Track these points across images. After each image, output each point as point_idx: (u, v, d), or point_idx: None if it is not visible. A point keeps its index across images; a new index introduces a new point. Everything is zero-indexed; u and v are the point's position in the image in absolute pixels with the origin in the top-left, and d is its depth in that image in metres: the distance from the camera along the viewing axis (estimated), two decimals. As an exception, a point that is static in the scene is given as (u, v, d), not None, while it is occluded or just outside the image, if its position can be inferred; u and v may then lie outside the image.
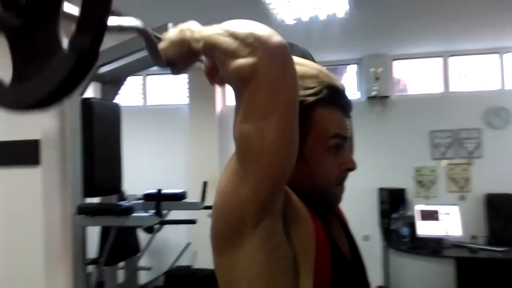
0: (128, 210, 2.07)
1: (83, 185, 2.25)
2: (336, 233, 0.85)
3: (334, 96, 0.83)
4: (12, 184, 2.36)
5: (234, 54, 0.67)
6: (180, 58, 0.77)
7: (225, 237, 0.70)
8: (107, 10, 0.50)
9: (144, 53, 2.63)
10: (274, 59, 0.66)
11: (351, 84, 5.00)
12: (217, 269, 0.73)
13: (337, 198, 0.86)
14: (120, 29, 0.64)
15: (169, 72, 0.81)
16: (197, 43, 0.73)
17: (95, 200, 2.54)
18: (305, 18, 3.39)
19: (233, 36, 0.68)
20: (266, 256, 0.67)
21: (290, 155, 0.68)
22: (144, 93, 5.38)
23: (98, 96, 2.72)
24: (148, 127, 5.16)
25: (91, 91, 3.61)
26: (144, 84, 5.37)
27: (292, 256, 0.70)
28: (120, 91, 2.72)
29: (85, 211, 2.12)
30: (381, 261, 4.41)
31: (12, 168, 2.36)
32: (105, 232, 2.39)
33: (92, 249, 2.58)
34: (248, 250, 0.67)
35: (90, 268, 2.47)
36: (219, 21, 0.74)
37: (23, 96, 0.55)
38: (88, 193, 2.26)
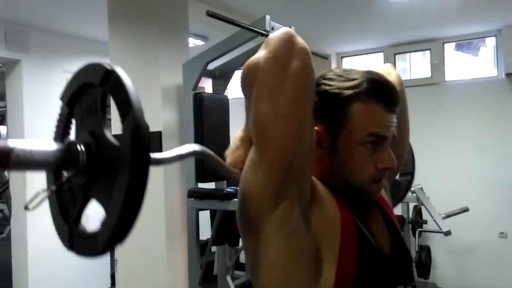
0: (230, 195, 2.24)
1: (195, 171, 2.50)
2: (375, 226, 0.83)
3: (375, 90, 0.79)
4: (141, 170, 2.74)
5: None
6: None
7: (247, 221, 0.74)
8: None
9: (250, 46, 2.77)
10: (278, 39, 0.70)
11: (487, 60, 4.40)
12: (245, 253, 0.79)
13: (372, 195, 0.83)
14: (180, 157, 0.71)
15: None
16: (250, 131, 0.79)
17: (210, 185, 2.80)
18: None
19: None
20: (281, 242, 0.70)
21: (301, 140, 0.69)
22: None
23: (210, 90, 2.97)
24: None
25: (204, 86, 3.94)
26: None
27: (312, 244, 0.72)
28: (228, 84, 2.91)
29: (194, 194, 2.37)
30: (521, 262, 3.85)
31: (141, 156, 2.75)
32: (213, 215, 2.62)
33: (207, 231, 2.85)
34: (266, 236, 0.71)
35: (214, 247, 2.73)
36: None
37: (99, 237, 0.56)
38: (199, 178, 2.51)
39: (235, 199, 2.29)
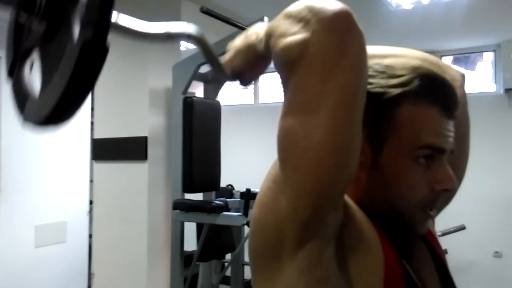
0: (219, 209, 2.07)
1: (182, 181, 2.33)
2: (422, 267, 0.65)
3: (430, 89, 0.61)
4: (123, 178, 2.57)
5: (283, 34, 0.53)
6: (248, 67, 0.67)
7: (260, 258, 0.57)
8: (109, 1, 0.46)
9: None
10: (331, 32, 0.50)
11: (486, 75, 4.32)
12: None
13: (419, 227, 0.64)
14: (168, 36, 0.56)
15: (238, 84, 0.71)
16: (261, 43, 0.62)
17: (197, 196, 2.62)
18: (425, 1, 2.99)
19: (288, 15, 0.55)
20: None
21: (344, 165, 0.51)
22: (256, 91, 5.46)
23: (201, 95, 2.80)
24: (259, 125, 5.22)
25: (195, 90, 3.78)
26: (255, 83, 5.45)
27: None
28: (221, 90, 2.76)
29: (180, 206, 2.19)
30: (518, 284, 3.73)
31: (124, 162, 2.57)
32: (200, 229, 2.45)
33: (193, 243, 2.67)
34: (286, 280, 0.54)
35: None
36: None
37: (42, 107, 0.51)
38: (186, 189, 2.33)
39: (225, 213, 2.12)
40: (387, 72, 0.63)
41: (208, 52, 0.64)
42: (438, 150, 0.60)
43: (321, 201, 0.51)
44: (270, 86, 5.43)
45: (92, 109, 3.60)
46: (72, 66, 0.45)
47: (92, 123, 3.47)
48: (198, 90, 3.80)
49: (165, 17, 2.63)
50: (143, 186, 2.46)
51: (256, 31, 0.65)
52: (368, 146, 0.62)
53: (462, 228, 3.50)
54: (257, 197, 0.58)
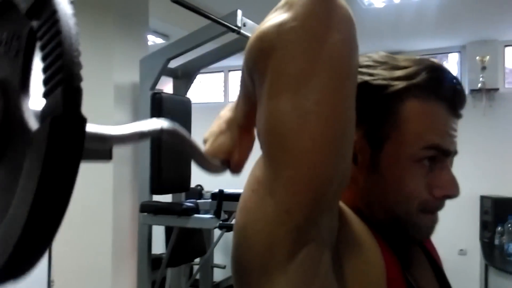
0: (190, 211, 1.96)
1: (150, 181, 2.20)
2: (422, 277, 0.60)
3: (438, 83, 0.55)
4: (86, 178, 2.40)
5: (264, 22, 0.46)
6: (234, 146, 0.55)
7: (247, 271, 0.49)
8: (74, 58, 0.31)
9: (216, 44, 2.51)
10: (313, 7, 0.43)
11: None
12: None
13: (423, 231, 0.58)
14: (141, 136, 0.44)
15: (231, 173, 0.58)
16: (238, 108, 0.53)
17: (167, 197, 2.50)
18: (397, 0, 3.00)
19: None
20: None
21: (340, 156, 0.44)
22: (226, 89, 5.36)
23: (170, 91, 2.68)
24: (229, 122, 5.13)
25: (166, 86, 3.64)
26: (225, 80, 5.35)
27: None
28: (191, 86, 2.64)
29: (148, 209, 2.07)
30: (479, 281, 3.84)
31: (87, 162, 2.40)
32: (169, 232, 2.33)
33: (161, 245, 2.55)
34: None
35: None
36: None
37: None
38: (154, 190, 2.21)
39: (196, 215, 2.02)
40: (390, 63, 0.57)
41: (188, 145, 0.53)
42: (444, 152, 0.55)
43: (316, 199, 0.44)
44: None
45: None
46: (40, 159, 0.28)
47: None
48: (166, 86, 3.67)
49: (131, 6, 2.49)
50: (108, 187, 2.31)
51: (227, 108, 0.59)
52: (366, 144, 0.56)
53: (430, 226, 3.55)
54: (240, 203, 0.50)
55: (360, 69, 0.56)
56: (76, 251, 2.39)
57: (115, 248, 2.29)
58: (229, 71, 5.27)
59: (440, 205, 0.57)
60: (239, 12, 2.04)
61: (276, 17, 0.44)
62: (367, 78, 0.56)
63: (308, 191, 0.43)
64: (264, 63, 0.44)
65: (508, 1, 3.07)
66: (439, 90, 0.55)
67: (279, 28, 0.43)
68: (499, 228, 3.62)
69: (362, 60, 0.59)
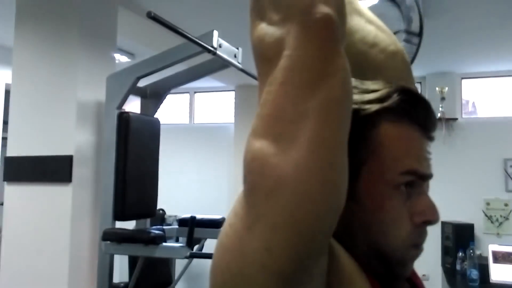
0: (158, 239, 1.83)
1: (113, 207, 2.05)
2: None
3: (410, 105, 0.53)
4: (42, 202, 2.21)
5: (262, 13, 0.44)
6: None
7: None
8: None
9: (186, 65, 2.44)
10: (310, 39, 0.41)
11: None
12: None
13: (407, 267, 0.54)
14: None
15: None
16: None
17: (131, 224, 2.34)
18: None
19: None
20: None
21: (331, 185, 0.40)
22: (191, 111, 5.26)
23: (138, 111, 2.56)
24: (194, 145, 5.02)
25: (131, 106, 3.49)
26: (191, 102, 5.26)
27: None
28: (160, 106, 2.54)
29: (111, 237, 1.91)
30: (444, 306, 3.89)
31: (44, 184, 2.22)
32: (133, 261, 2.17)
33: (122, 273, 2.37)
34: None
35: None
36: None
37: None
38: (118, 216, 2.06)
39: (164, 244, 1.88)
40: (359, 87, 0.56)
41: None
42: (421, 177, 0.53)
43: (302, 238, 0.38)
44: (206, 106, 5.27)
45: (5, 122, 3.14)
46: None
47: (4, 138, 3.02)
48: (130, 105, 3.53)
49: (98, 22, 2.38)
50: (66, 212, 2.13)
51: None
52: None
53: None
54: (218, 239, 0.44)
55: None
56: (27, 284, 2.17)
57: (71, 280, 2.09)
58: (195, 92, 5.20)
59: (424, 234, 0.54)
60: (215, 33, 1.99)
61: (275, 24, 0.43)
62: None
63: (291, 225, 0.37)
64: (263, 69, 0.43)
65: (465, 37, 3.25)
66: (411, 113, 0.53)
67: (277, 48, 0.42)
68: (460, 254, 3.70)
69: None
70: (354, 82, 0.56)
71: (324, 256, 0.42)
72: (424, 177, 0.53)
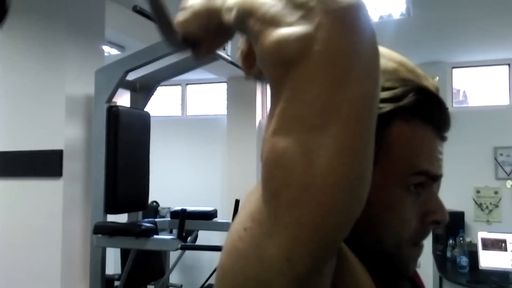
0: (149, 232, 1.84)
1: (104, 200, 2.06)
2: None
3: (425, 105, 0.52)
4: (33, 197, 2.21)
5: (275, 21, 0.39)
6: (205, 35, 0.49)
7: None
8: None
9: (177, 58, 2.44)
10: (343, 28, 0.38)
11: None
12: None
13: (410, 266, 0.55)
14: None
15: (189, 55, 0.53)
16: (229, 12, 0.45)
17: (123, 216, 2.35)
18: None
19: None
20: None
21: (356, 200, 0.39)
22: (183, 103, 5.25)
23: (128, 104, 2.56)
24: (186, 137, 5.02)
25: (122, 99, 3.48)
26: (183, 94, 5.25)
27: None
28: (150, 99, 2.54)
29: (102, 230, 1.92)
30: (434, 293, 3.95)
31: (34, 179, 2.22)
32: (125, 253, 2.18)
33: (116, 265, 2.39)
34: None
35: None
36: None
37: None
38: (109, 209, 2.07)
39: (156, 236, 1.90)
40: None
41: (158, 9, 0.45)
42: (432, 177, 0.53)
43: (323, 248, 0.38)
44: (198, 98, 5.26)
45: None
46: None
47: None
48: (121, 99, 3.51)
49: (86, 14, 2.36)
50: (57, 207, 2.14)
51: None
52: None
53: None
54: (228, 241, 0.44)
55: None
56: (20, 279, 2.18)
57: (64, 274, 2.10)
58: (187, 84, 5.19)
59: (427, 233, 0.55)
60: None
61: (296, 24, 0.38)
62: None
63: (313, 240, 0.37)
64: (281, 72, 0.38)
65: (455, 26, 3.26)
66: (426, 113, 0.52)
67: (304, 46, 0.37)
68: (451, 241, 3.76)
69: None
70: None
71: (334, 257, 0.42)
72: (435, 177, 0.53)
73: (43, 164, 2.20)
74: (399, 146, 0.51)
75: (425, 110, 0.52)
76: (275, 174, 0.38)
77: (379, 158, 0.50)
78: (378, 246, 0.52)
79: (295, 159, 0.37)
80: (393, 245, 0.52)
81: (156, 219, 2.30)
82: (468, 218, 4.03)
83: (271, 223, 0.38)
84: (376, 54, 0.40)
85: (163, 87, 4.97)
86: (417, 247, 0.54)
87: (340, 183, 0.37)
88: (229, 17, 0.44)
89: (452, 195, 4.10)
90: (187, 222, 2.05)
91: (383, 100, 0.52)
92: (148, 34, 2.20)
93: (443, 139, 0.55)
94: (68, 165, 2.18)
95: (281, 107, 0.39)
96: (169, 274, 2.37)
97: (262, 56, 0.41)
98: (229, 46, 2.25)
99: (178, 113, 5.26)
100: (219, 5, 0.47)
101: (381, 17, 3.00)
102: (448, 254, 3.75)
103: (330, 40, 0.37)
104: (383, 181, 0.51)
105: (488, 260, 3.44)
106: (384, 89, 0.53)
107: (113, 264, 3.54)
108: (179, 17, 0.48)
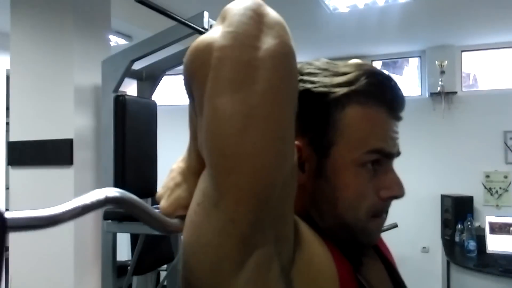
0: (156, 217, 1.90)
1: (114, 185, 2.12)
2: (374, 277, 0.60)
3: (378, 87, 0.57)
4: (45, 185, 2.29)
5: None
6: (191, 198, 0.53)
7: None
8: None
9: (182, 46, 2.46)
10: (242, 7, 0.46)
11: (412, 79, 4.56)
12: None
13: (372, 236, 0.59)
14: (84, 210, 0.43)
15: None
16: (191, 156, 0.57)
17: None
18: (361, 5, 3.06)
19: None
20: None
21: (282, 158, 0.44)
22: (191, 90, 5.29)
23: (134, 93, 2.60)
24: (194, 124, 5.07)
25: (130, 89, 3.53)
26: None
27: None
28: (156, 88, 2.58)
29: (111, 216, 1.99)
30: (442, 277, 3.97)
31: (46, 168, 2.29)
32: (135, 239, 2.25)
33: (130, 252, 2.46)
34: None
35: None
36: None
37: None
38: (119, 196, 2.12)
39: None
40: (330, 69, 0.59)
41: (139, 210, 0.50)
42: (387, 155, 0.57)
43: (260, 205, 0.43)
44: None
45: (7, 108, 3.20)
46: None
47: (7, 124, 3.09)
48: (129, 88, 3.56)
49: (92, 5, 2.40)
50: (68, 194, 2.21)
51: (179, 160, 0.60)
52: (312, 152, 0.57)
53: (395, 226, 3.64)
54: (187, 218, 0.49)
55: (302, 77, 0.58)
56: (36, 263, 2.27)
57: (77, 258, 2.18)
58: (195, 73, 5.21)
59: (386, 207, 0.59)
60: (206, 14, 2.00)
61: (213, 30, 0.46)
62: (308, 86, 0.58)
63: (251, 198, 0.42)
64: (202, 72, 0.44)
65: (464, 9, 3.21)
66: (378, 95, 0.56)
67: (214, 38, 0.44)
68: (459, 226, 3.76)
69: (305, 67, 0.60)
70: (326, 64, 0.60)
71: (280, 222, 0.46)
72: (390, 155, 0.57)
73: (54, 153, 2.27)
74: (354, 127, 0.56)
75: (377, 92, 0.56)
76: (214, 149, 0.43)
77: (336, 139, 0.56)
78: (339, 219, 0.57)
79: (230, 128, 0.42)
80: (353, 218, 0.56)
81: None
82: (477, 203, 4.01)
83: (216, 192, 0.44)
84: (281, 30, 0.46)
85: (170, 76, 5.01)
86: (379, 218, 0.58)
87: (268, 146, 0.42)
88: (192, 157, 0.55)
89: (461, 180, 4.09)
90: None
91: (338, 85, 0.57)
92: (155, 23, 2.24)
93: (398, 118, 0.59)
94: (78, 153, 2.24)
95: (211, 81, 0.43)
96: (178, 258, 2.43)
97: (186, 67, 0.48)
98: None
99: (186, 101, 5.30)
100: (192, 164, 0.56)
101: (386, 1, 2.97)
102: (457, 238, 3.76)
103: (237, 23, 0.44)
104: (340, 159, 0.56)
105: (496, 244, 3.44)
106: (339, 74, 0.58)
107: (126, 251, 3.64)
108: (162, 205, 0.56)
